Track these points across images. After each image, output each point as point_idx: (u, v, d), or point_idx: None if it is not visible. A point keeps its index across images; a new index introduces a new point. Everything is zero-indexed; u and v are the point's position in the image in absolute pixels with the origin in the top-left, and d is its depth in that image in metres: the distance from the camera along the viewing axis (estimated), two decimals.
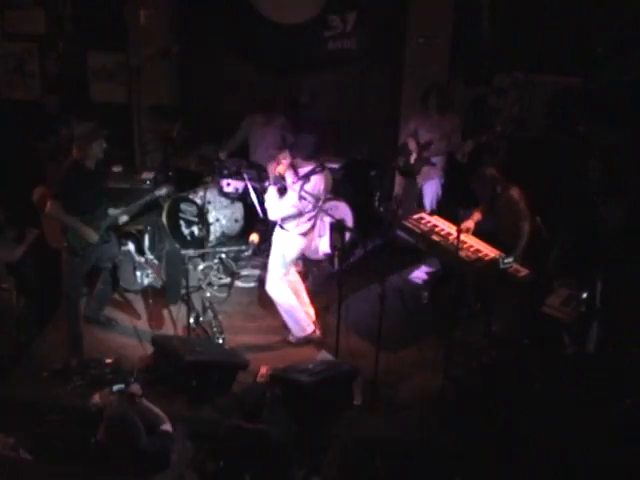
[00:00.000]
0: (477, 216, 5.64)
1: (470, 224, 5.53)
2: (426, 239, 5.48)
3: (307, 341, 5.63)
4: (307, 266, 6.64)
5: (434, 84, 6.57)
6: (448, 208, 6.37)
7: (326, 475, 3.53)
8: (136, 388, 4.29)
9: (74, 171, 5.17)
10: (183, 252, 5.52)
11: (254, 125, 7.00)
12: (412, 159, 6.61)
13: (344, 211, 6.72)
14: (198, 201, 6.44)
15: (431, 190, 6.70)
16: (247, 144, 7.13)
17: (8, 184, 6.43)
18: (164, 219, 6.55)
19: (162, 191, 5.68)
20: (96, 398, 4.55)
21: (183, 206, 6.56)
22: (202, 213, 6.39)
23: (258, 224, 6.81)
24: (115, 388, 4.37)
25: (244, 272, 6.57)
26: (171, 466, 4.00)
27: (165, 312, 5.94)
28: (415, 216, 5.82)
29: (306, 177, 5.17)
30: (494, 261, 5.16)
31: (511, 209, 5.51)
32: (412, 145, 6.60)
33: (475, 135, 6.46)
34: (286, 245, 5.43)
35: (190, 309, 5.46)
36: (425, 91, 6.52)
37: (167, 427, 4.12)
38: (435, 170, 6.62)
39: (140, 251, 6.30)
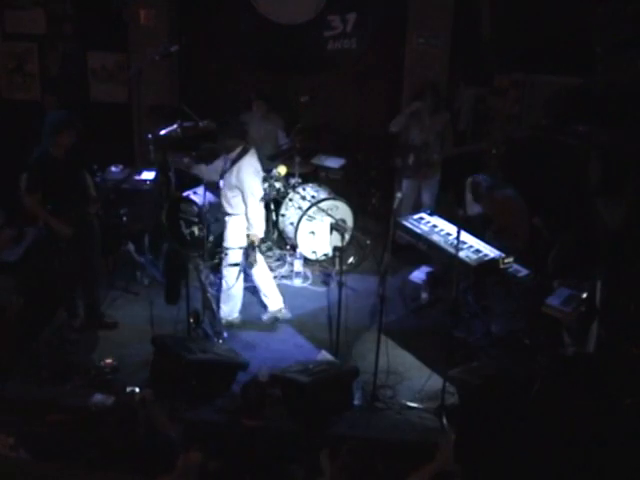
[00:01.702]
0: None
1: None
2: (426, 239, 5.48)
3: (276, 319, 5.86)
4: (306, 266, 6.65)
5: (428, 83, 6.56)
6: (448, 208, 6.38)
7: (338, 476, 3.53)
8: (149, 393, 4.30)
9: (40, 161, 5.20)
10: (183, 252, 5.52)
11: (251, 122, 7.06)
12: (410, 161, 6.60)
13: (344, 211, 6.74)
14: (198, 201, 6.45)
15: (430, 189, 6.70)
16: None
17: (8, 184, 6.43)
18: (164, 219, 6.55)
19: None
20: (97, 398, 4.55)
21: (183, 206, 6.56)
22: (202, 213, 6.39)
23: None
24: (129, 389, 4.39)
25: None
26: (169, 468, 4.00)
27: (165, 312, 5.93)
28: (415, 216, 5.83)
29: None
30: (494, 261, 5.17)
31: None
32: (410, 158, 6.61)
33: (475, 142, 6.47)
34: (242, 227, 5.62)
35: (190, 309, 5.46)
36: (418, 90, 6.52)
37: (171, 435, 4.11)
38: (433, 168, 6.61)
39: (140, 251, 6.30)
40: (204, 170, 6.02)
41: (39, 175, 5.19)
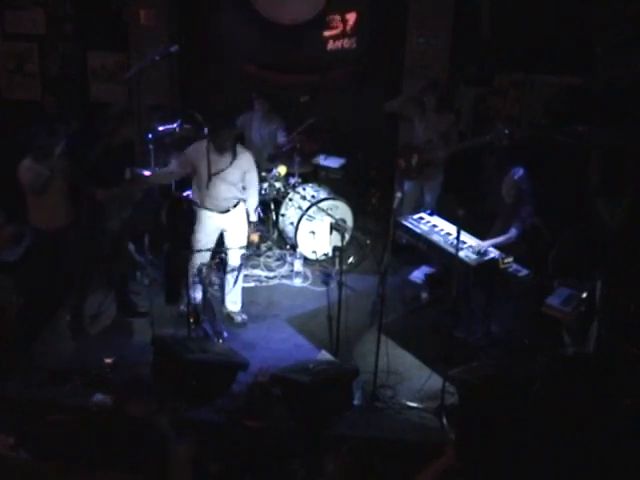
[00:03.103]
0: None
1: None
2: (426, 239, 5.48)
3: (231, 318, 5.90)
4: (306, 266, 6.65)
5: (432, 82, 6.55)
6: (448, 208, 6.38)
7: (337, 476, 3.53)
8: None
9: (102, 153, 5.37)
10: (183, 252, 5.52)
11: (252, 121, 7.07)
12: (414, 162, 6.59)
13: (344, 211, 6.74)
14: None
15: (432, 190, 6.69)
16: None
17: (8, 184, 6.43)
18: (164, 219, 6.55)
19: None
20: (97, 398, 4.54)
21: (183, 206, 6.55)
22: None
23: (258, 224, 6.82)
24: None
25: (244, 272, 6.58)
26: (169, 467, 3.99)
27: (165, 312, 5.93)
28: (415, 216, 5.83)
29: None
30: (494, 261, 5.17)
31: None
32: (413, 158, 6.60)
33: (479, 135, 6.46)
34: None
35: (190, 309, 5.46)
36: (423, 88, 6.51)
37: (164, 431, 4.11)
38: (436, 169, 6.60)
39: (140, 251, 6.29)
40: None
41: (102, 166, 5.26)
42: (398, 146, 7.09)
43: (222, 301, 5.96)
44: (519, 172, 5.58)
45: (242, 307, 5.94)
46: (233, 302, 5.89)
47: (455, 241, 4.94)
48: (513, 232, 5.54)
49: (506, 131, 6.09)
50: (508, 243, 5.51)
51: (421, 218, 5.76)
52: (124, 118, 5.38)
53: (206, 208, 5.59)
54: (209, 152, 5.35)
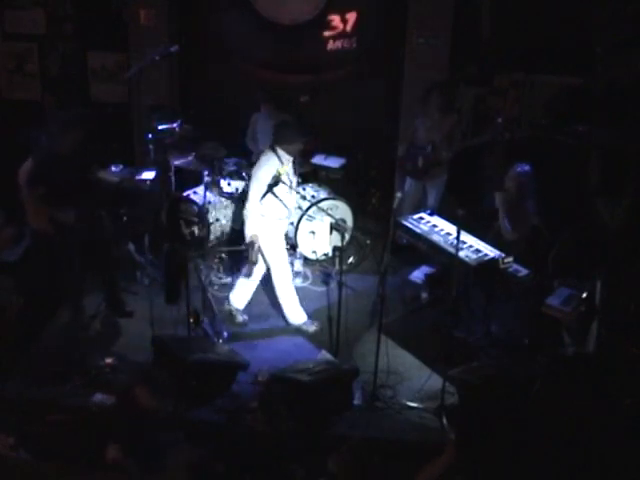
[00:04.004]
0: None
1: None
2: (426, 239, 5.48)
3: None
4: (306, 266, 6.65)
5: (437, 83, 6.55)
6: (448, 208, 6.38)
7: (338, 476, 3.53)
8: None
9: (45, 157, 5.31)
10: (183, 252, 5.52)
11: (259, 120, 7.07)
12: (420, 163, 6.58)
13: (344, 211, 6.74)
14: (198, 201, 6.45)
15: (436, 189, 6.69)
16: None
17: (8, 184, 6.43)
18: (164, 219, 6.55)
19: None
20: (97, 398, 4.55)
21: (183, 206, 6.56)
22: (202, 213, 6.39)
23: None
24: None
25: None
26: (167, 467, 4.00)
27: (165, 312, 5.93)
28: (415, 216, 5.83)
29: None
30: (494, 261, 5.17)
31: None
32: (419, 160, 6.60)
33: (479, 134, 6.46)
34: None
35: (190, 309, 5.46)
36: (427, 90, 6.50)
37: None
38: (441, 168, 6.60)
39: (140, 251, 6.30)
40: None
41: (43, 171, 5.19)
42: (399, 147, 7.07)
43: (224, 300, 5.95)
44: (524, 167, 5.57)
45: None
46: (240, 300, 5.90)
47: (455, 241, 4.93)
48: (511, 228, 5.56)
49: (499, 120, 6.13)
50: (503, 232, 5.54)
51: (421, 218, 5.76)
52: (71, 124, 5.30)
53: (280, 217, 5.65)
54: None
